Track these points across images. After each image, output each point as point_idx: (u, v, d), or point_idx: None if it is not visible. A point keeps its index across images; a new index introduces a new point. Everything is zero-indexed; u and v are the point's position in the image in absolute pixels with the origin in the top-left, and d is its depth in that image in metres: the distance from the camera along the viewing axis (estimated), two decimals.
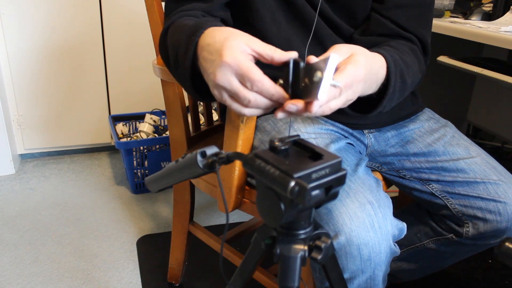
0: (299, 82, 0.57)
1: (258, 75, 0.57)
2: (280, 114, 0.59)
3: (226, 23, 0.88)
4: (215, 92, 0.63)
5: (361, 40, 0.88)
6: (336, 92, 0.58)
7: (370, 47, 0.86)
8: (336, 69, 0.61)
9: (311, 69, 0.55)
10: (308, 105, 0.56)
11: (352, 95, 0.62)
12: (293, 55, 0.58)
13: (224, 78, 0.59)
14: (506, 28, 1.22)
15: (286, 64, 0.58)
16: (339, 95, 0.59)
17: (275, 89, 0.57)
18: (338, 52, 0.62)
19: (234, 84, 0.59)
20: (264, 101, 0.59)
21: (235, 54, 0.58)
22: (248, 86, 0.58)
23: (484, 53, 1.96)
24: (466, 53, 1.83)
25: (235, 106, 0.61)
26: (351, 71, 0.60)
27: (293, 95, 0.58)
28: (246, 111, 0.61)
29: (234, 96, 0.60)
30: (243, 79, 0.58)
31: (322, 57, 0.57)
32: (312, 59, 0.57)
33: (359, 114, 0.76)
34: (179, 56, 0.69)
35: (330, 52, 0.60)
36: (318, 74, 0.54)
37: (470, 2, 1.67)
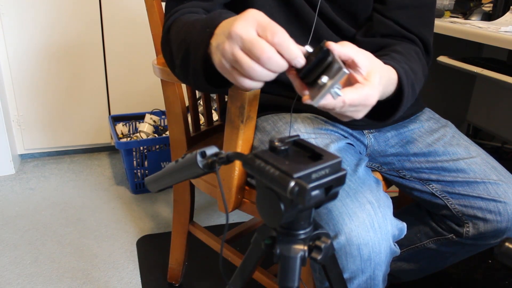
0: (317, 70, 0.57)
1: (280, 28, 0.55)
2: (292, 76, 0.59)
3: None
4: (225, 47, 0.57)
5: (364, 42, 0.88)
6: (337, 104, 0.58)
7: (373, 48, 0.87)
8: (352, 80, 0.61)
9: (328, 64, 0.55)
10: (305, 96, 0.57)
11: (352, 113, 0.62)
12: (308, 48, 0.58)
13: (243, 26, 0.56)
14: (506, 28, 1.22)
15: (310, 53, 0.58)
16: (340, 109, 0.59)
17: (296, 48, 0.56)
18: (365, 58, 0.61)
19: (252, 33, 0.56)
20: (278, 60, 0.55)
21: (260, 14, 0.57)
22: (269, 37, 0.55)
23: (484, 53, 1.96)
24: (466, 53, 1.83)
25: (246, 61, 0.56)
26: (364, 93, 0.59)
27: (304, 76, 0.58)
28: (259, 69, 0.56)
29: (248, 50, 0.55)
30: (264, 30, 0.55)
31: (345, 50, 0.57)
32: (330, 44, 0.57)
33: (369, 120, 0.75)
34: (191, 48, 0.67)
35: (354, 50, 0.61)
36: (324, 79, 0.54)
37: (470, 2, 1.67)
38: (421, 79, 0.83)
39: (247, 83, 0.59)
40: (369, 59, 0.63)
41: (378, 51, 0.86)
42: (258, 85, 0.60)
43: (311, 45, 0.56)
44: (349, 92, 0.58)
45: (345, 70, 0.54)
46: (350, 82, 0.62)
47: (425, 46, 0.90)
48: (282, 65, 0.56)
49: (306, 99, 0.56)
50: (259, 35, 0.56)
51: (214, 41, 0.62)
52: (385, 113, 0.75)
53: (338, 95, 0.56)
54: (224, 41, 0.58)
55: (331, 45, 0.57)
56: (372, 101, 0.61)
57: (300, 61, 0.57)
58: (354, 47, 0.60)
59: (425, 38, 0.89)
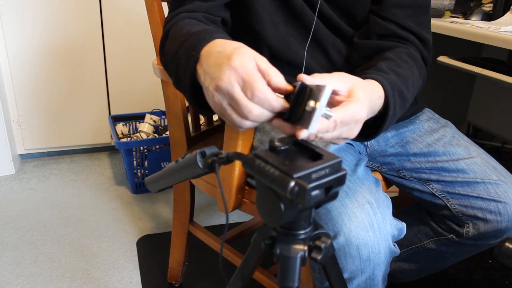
0: (300, 107, 0.55)
1: (261, 84, 0.56)
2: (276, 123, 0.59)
3: (226, 24, 0.88)
4: (214, 99, 0.60)
5: (361, 45, 0.88)
6: (330, 125, 0.57)
7: (370, 51, 0.86)
8: (335, 103, 0.60)
9: (310, 94, 0.54)
10: (298, 130, 0.55)
11: (347, 133, 0.61)
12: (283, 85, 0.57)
13: (227, 81, 0.57)
14: (506, 28, 1.22)
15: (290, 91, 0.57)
16: (333, 129, 0.58)
17: (277, 102, 0.56)
18: (338, 81, 0.61)
19: (236, 90, 0.57)
20: (266, 114, 0.57)
21: (244, 61, 0.57)
22: (248, 96, 0.56)
23: (484, 53, 1.96)
24: (466, 53, 1.83)
25: (235, 117, 0.58)
26: (352, 109, 0.59)
27: (289, 117, 0.57)
28: (247, 123, 0.59)
29: (234, 105, 0.58)
30: (245, 87, 0.56)
31: (317, 81, 0.55)
32: (301, 77, 0.56)
33: (360, 139, 0.73)
34: (181, 71, 0.69)
35: (326, 79, 0.59)
36: (311, 103, 0.53)
37: (470, 2, 1.67)
38: (416, 82, 0.82)
39: (238, 129, 0.62)
40: (344, 80, 0.62)
41: (374, 54, 0.86)
42: (249, 128, 0.62)
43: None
44: (338, 110, 0.58)
45: (328, 86, 0.52)
46: (334, 106, 0.61)
47: (423, 43, 0.90)
48: (269, 117, 0.58)
49: (300, 131, 0.55)
50: (242, 91, 0.57)
51: (201, 73, 0.63)
52: (375, 127, 0.74)
53: (330, 115, 0.55)
54: (213, 92, 0.60)
55: (303, 77, 0.56)
56: (362, 115, 0.60)
57: (283, 105, 0.57)
58: (325, 75, 0.60)
59: (422, 35, 0.89)
